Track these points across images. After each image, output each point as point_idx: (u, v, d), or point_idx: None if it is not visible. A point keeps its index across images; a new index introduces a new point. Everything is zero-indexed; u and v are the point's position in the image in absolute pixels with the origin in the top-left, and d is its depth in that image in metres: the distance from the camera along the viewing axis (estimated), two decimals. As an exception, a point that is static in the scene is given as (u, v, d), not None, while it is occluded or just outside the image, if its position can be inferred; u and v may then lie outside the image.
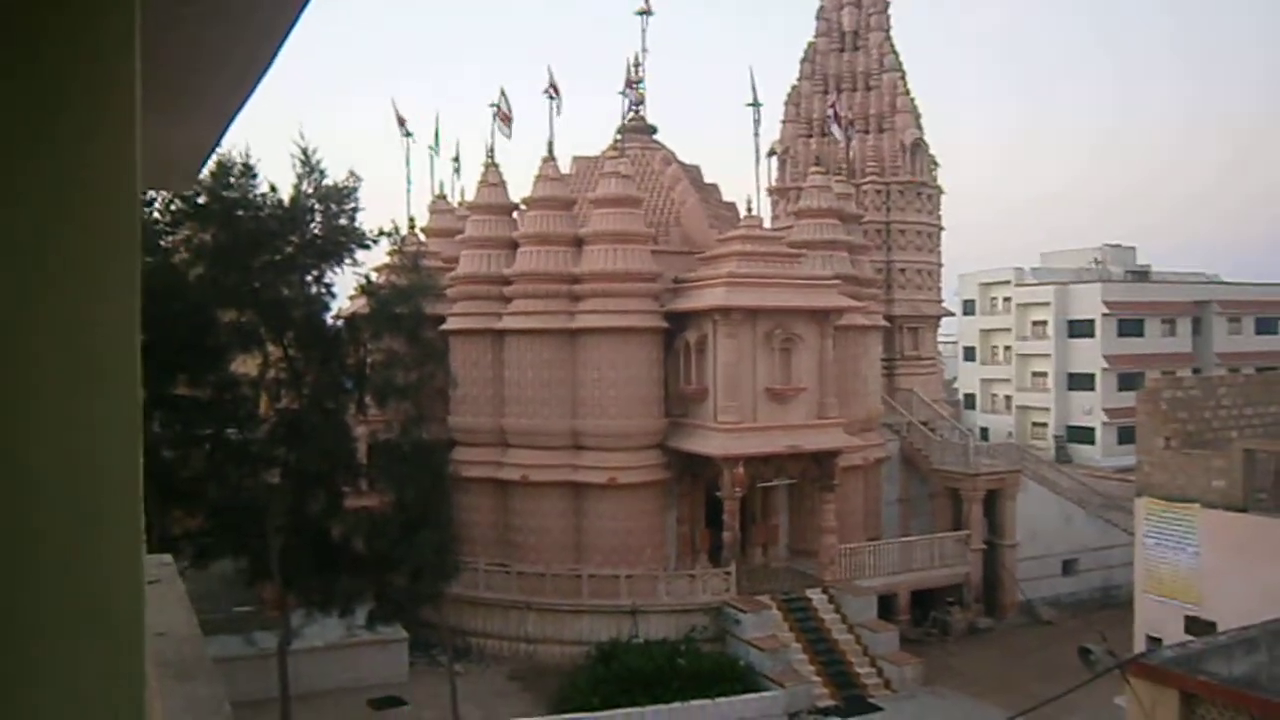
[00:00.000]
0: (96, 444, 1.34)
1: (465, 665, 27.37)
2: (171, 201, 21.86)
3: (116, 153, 1.41)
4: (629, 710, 23.74)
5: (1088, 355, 56.22)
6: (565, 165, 34.73)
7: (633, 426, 30.20)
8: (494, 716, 24.33)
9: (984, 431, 53.71)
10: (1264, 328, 61.04)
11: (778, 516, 32.49)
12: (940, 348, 46.30)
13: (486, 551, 30.57)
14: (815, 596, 28.48)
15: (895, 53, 41.48)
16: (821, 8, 42.95)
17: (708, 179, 38.30)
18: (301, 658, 24.12)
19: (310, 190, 22.20)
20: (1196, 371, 53.57)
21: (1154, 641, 19.87)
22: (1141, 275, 62.78)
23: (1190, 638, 16.57)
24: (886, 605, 30.30)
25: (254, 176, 21.71)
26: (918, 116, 40.89)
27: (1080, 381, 56.78)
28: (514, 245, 32.07)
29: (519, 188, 33.41)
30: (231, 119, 2.98)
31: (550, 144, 32.37)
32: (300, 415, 22.74)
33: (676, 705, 23.98)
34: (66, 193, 1.37)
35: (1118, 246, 65.27)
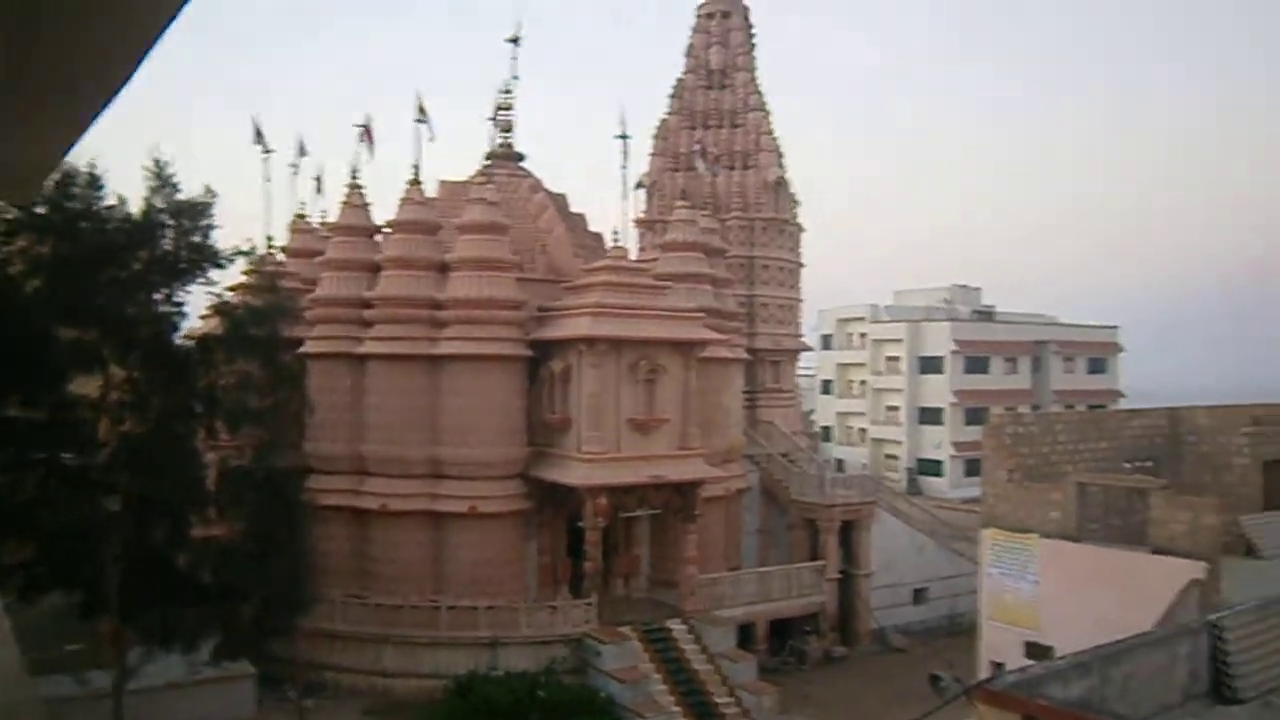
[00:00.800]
0: None
1: (318, 701, 26.40)
2: (4, 211, 20.61)
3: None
4: (486, 745, 23.27)
5: (937, 390, 58.57)
6: (432, 190, 34.32)
7: (494, 455, 29.87)
8: (345, 754, 23.47)
9: (840, 463, 55.20)
10: (1095, 367, 64.92)
11: (639, 547, 32.57)
12: (799, 381, 47.51)
13: (342, 582, 29.61)
14: (676, 627, 28.61)
15: (760, 92, 42.66)
16: (690, 46, 43.85)
17: (575, 209, 38.44)
18: (140, 698, 22.77)
19: (162, 205, 21.29)
20: (1036, 408, 56.49)
21: (997, 666, 20.66)
22: (986, 315, 65.91)
23: (1030, 662, 17.33)
24: (745, 635, 30.68)
25: (100, 188, 20.70)
26: (780, 155, 42.07)
27: (930, 415, 59.08)
28: (376, 269, 31.43)
29: (384, 211, 32.85)
30: (81, 134, 2.83)
31: (416, 167, 31.94)
32: (144, 440, 21.63)
33: (535, 739, 23.65)
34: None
35: (965, 287, 68.38)
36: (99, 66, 2.21)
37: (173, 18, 2.02)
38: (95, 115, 2.64)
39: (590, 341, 28.69)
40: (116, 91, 2.40)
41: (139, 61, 2.23)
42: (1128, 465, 24.14)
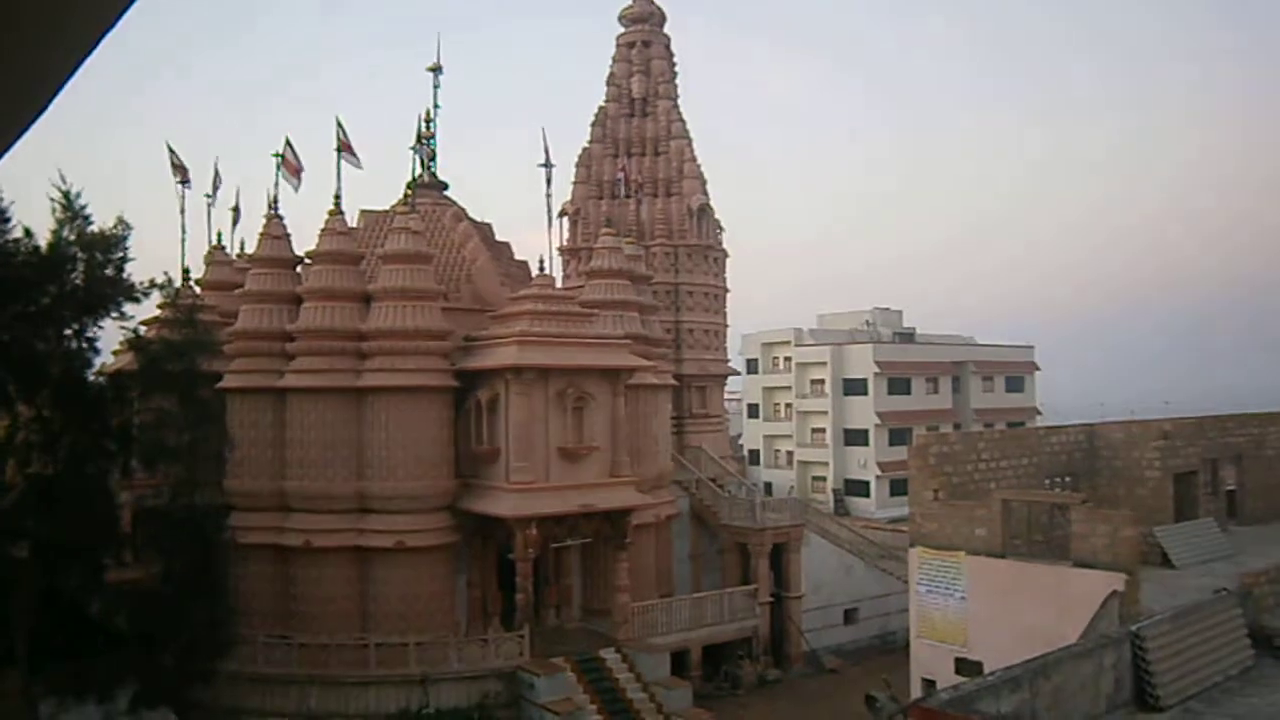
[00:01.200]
0: None
1: (240, 747, 25.56)
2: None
3: None
4: (418, 785, 22.79)
5: (862, 412, 59.39)
6: (353, 219, 33.88)
7: (421, 488, 29.42)
8: (271, 801, 22.74)
9: (768, 486, 55.54)
10: (1013, 386, 66.50)
11: (571, 576, 32.30)
12: (726, 405, 47.77)
13: (266, 623, 28.78)
14: (609, 656, 28.38)
15: (682, 120, 43.08)
16: (612, 74, 44.15)
17: (499, 237, 38.29)
18: (51, 751, 21.87)
19: (72, 237, 20.65)
20: (957, 427, 57.64)
21: (929, 684, 20.87)
22: (907, 337, 67.13)
23: (961, 678, 17.53)
24: (680, 661, 30.57)
25: (6, 220, 20.02)
26: (704, 182, 42.48)
27: (855, 437, 59.84)
28: (298, 300, 30.87)
29: (304, 241, 32.30)
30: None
31: (337, 197, 31.49)
32: (54, 481, 20.87)
33: (468, 776, 23.24)
34: None
35: (886, 310, 69.61)
36: (16, 92, 2.11)
37: (97, 42, 1.95)
38: (6, 146, 2.53)
39: (517, 370, 28.49)
40: (32, 120, 2.29)
41: (58, 89, 2.14)
42: (1048, 481, 24.68)
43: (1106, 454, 25.99)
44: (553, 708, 26.05)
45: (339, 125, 31.11)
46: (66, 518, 20.39)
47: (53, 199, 20.43)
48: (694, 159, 42.49)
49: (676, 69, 44.37)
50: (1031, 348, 69.20)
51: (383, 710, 26.55)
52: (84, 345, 21.55)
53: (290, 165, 32.06)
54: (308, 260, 31.66)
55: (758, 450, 65.67)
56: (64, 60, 2.01)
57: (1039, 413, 66.45)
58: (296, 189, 32.47)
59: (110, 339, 23.82)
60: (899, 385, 60.02)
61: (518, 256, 38.36)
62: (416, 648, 27.48)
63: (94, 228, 20.95)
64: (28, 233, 20.46)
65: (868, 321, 67.42)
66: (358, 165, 31.17)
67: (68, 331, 21.28)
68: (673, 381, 37.12)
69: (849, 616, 37.34)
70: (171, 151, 34.54)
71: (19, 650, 20.03)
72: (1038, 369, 68.52)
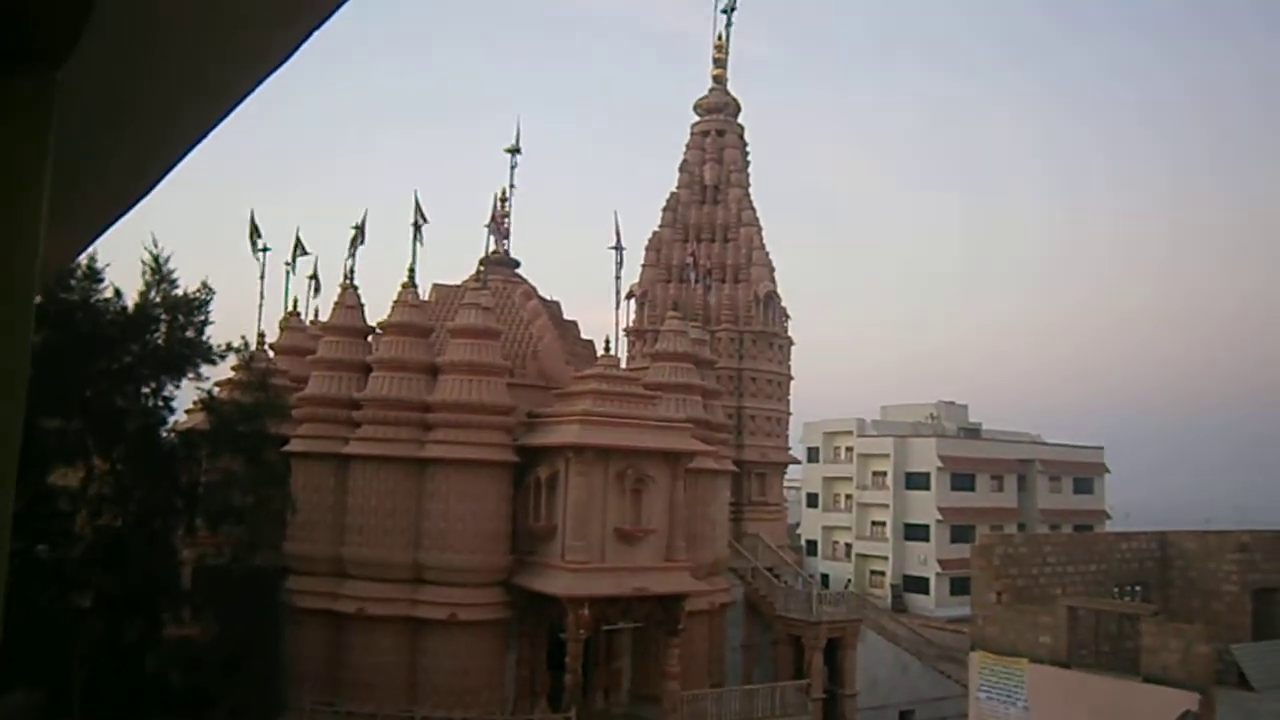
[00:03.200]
0: None
1: (281, 815, 25.38)
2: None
3: (19, 245, 1.34)
4: None
5: (923, 506, 58.32)
6: (425, 293, 34.58)
7: (477, 561, 29.41)
8: None
9: (825, 578, 54.57)
10: (1081, 487, 64.83)
11: (621, 660, 31.85)
12: (785, 493, 47.28)
13: (316, 688, 28.69)
14: (656, 744, 27.80)
15: (753, 208, 43.55)
16: (685, 161, 44.91)
17: (567, 316, 38.75)
18: (97, 805, 21.94)
19: (158, 299, 21.39)
20: (1022, 527, 56.27)
21: (986, 796, 20.11)
22: (973, 433, 66.09)
23: (1021, 793, 16.87)
24: (727, 755, 29.80)
25: (99, 280, 20.83)
26: (772, 269, 42.72)
27: (916, 532, 58.69)
28: (367, 369, 31.43)
29: (376, 311, 33.02)
30: (103, 230, 2.84)
31: (411, 270, 32.21)
32: (122, 535, 21.32)
33: None
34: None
35: (951, 404, 68.75)
36: (135, 165, 2.23)
37: (217, 121, 2.05)
38: (118, 215, 2.66)
39: (578, 449, 28.56)
40: (145, 193, 2.42)
41: (174, 164, 2.26)
42: (1117, 589, 23.92)
43: (1180, 564, 25.16)
44: (596, 795, 25.51)
45: (416, 202, 31.97)
46: (130, 571, 20.75)
47: (143, 261, 21.23)
48: (762, 246, 42.81)
49: (749, 158, 45.02)
50: (1101, 448, 67.63)
51: (425, 786, 26.21)
52: (160, 403, 22.16)
53: (363, 235, 32.94)
54: (379, 330, 32.32)
55: (815, 541, 64.70)
56: (181, 140, 2.12)
57: (1108, 516, 64.68)
58: (353, 253, 33.12)
59: (184, 398, 24.47)
60: (963, 481, 58.91)
61: (584, 336, 38.74)
62: (462, 723, 27.20)
63: (179, 290, 21.69)
64: (117, 293, 21.26)
65: (932, 415, 66.59)
66: (420, 241, 31.91)
67: (146, 389, 21.93)
68: (733, 467, 36.89)
69: (904, 718, 36.19)
70: (253, 218, 35.75)
71: (75, 699, 20.25)
72: (1108, 471, 66.83)
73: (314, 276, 39.45)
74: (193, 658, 21.81)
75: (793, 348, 43.79)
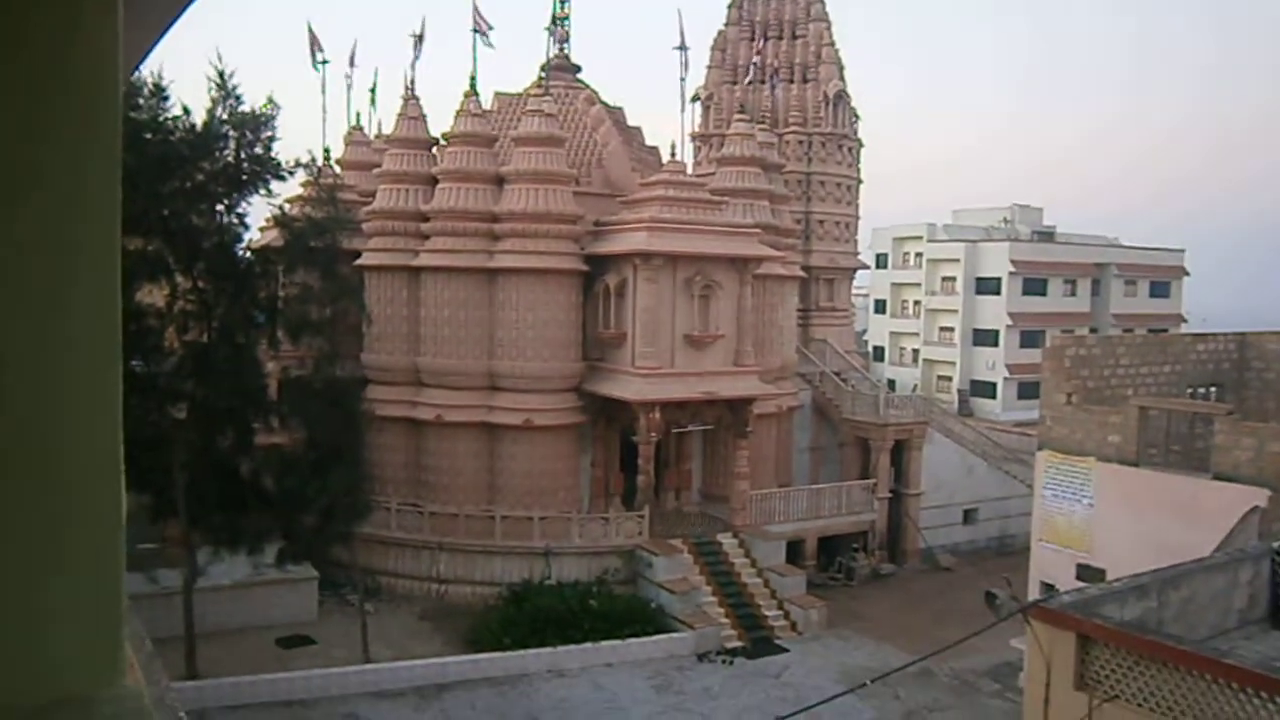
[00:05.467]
0: (76, 369, 1.29)
1: (375, 605, 27.24)
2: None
3: (100, 47, 1.32)
4: (540, 650, 23.97)
5: (993, 312, 57.69)
6: (487, 102, 34.04)
7: (549, 369, 30.11)
8: (405, 656, 24.28)
9: (891, 383, 54.82)
10: (1158, 291, 63.36)
11: (691, 462, 32.85)
12: (853, 299, 47.05)
13: (399, 491, 30.30)
14: (726, 541, 28.98)
15: (822, 2, 41.48)
16: (750, -47, 42.61)
17: (632, 122, 38.00)
18: (208, 596, 23.73)
19: (225, 115, 21.33)
20: (1094, 331, 55.52)
21: (1048, 588, 20.69)
22: (1047, 236, 64.44)
23: (1081, 583, 17.32)
24: (794, 550, 30.99)
25: (165, 99, 20.78)
26: (841, 68, 41.06)
27: (985, 337, 58.30)
28: (433, 181, 31.43)
29: (439, 122, 32.70)
30: (164, 30, 2.79)
31: (473, 78, 31.61)
32: (209, 349, 22.09)
33: (588, 645, 24.30)
34: (49, 94, 1.28)
35: (1026, 207, 66.80)
36: None
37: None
38: (172, 19, 2.60)
39: (645, 256, 28.58)
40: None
41: None
42: (1190, 391, 23.72)
43: (1258, 365, 24.78)
44: (670, 586, 26.86)
45: (475, 5, 31.01)
46: (219, 383, 21.62)
47: (208, 77, 21.06)
48: (832, 43, 40.99)
49: (818, -53, 42.53)
50: (1182, 251, 65.65)
51: (507, 579, 27.83)
52: (234, 220, 22.46)
53: (421, 43, 32.23)
54: (443, 141, 32.09)
55: (883, 347, 64.73)
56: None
57: (1184, 320, 63.39)
58: (413, 65, 32.60)
59: (256, 216, 24.78)
60: (1034, 286, 57.90)
61: (649, 142, 38.07)
62: (541, 521, 28.58)
63: (244, 107, 21.58)
64: (185, 110, 21.22)
65: (1005, 219, 64.91)
66: (490, 45, 31.12)
67: (220, 207, 22.17)
68: (800, 273, 36.69)
69: (968, 516, 37.05)
70: (311, 31, 35.10)
71: (179, 502, 21.57)
72: (1186, 274, 65.05)
73: (374, 89, 39.02)
74: (283, 463, 22.92)
75: (863, 151, 42.57)
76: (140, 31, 2.74)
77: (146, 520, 23.61)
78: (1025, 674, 13.40)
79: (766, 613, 27.09)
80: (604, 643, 24.41)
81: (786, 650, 25.87)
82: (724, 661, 24.89)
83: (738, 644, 25.87)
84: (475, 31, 30.99)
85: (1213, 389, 24.22)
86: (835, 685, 23.36)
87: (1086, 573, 20.31)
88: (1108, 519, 20.51)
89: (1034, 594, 20.41)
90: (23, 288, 1.24)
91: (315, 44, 35.03)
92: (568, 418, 30.16)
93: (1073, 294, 59.72)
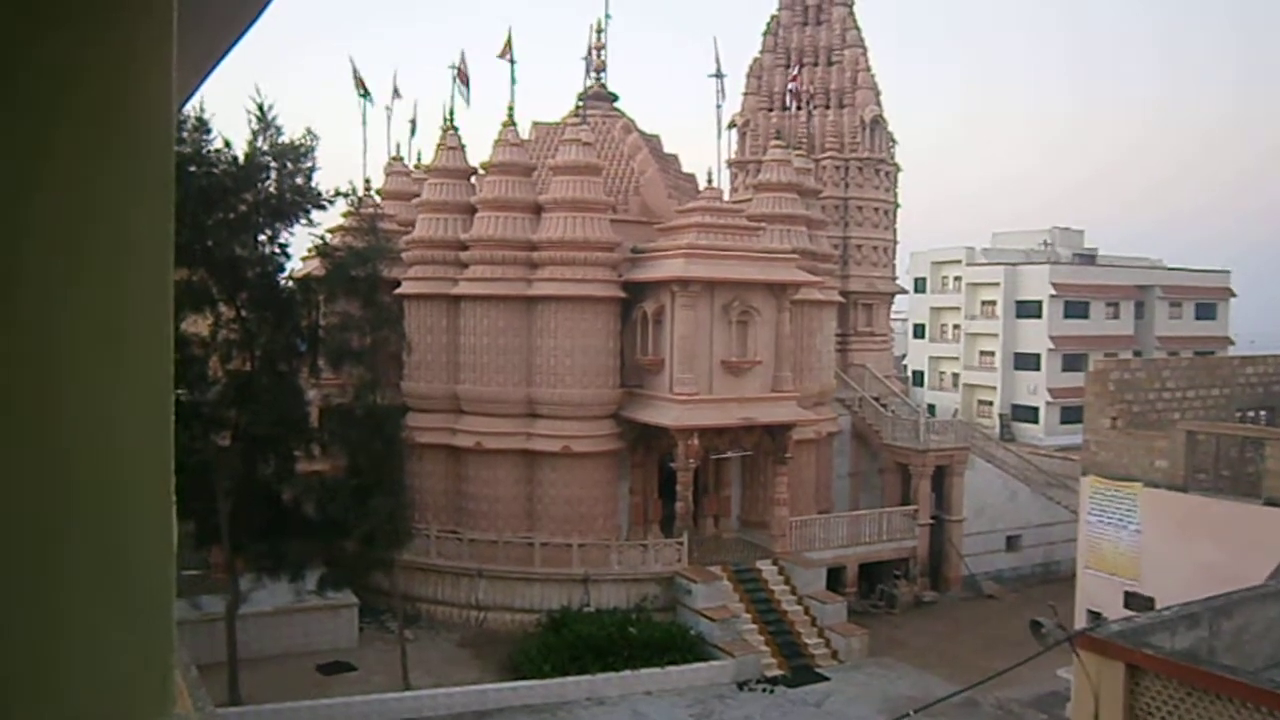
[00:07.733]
0: (130, 396, 1.31)
1: (415, 632, 27.29)
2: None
3: (153, 78, 1.35)
4: (579, 678, 23.88)
5: (1034, 335, 57.05)
6: (525, 131, 34.38)
7: (588, 396, 30.16)
8: (444, 683, 24.29)
9: (931, 408, 54.32)
10: (1203, 313, 62.38)
11: (730, 488, 32.71)
12: (892, 324, 46.79)
13: (438, 518, 30.46)
14: (765, 567, 28.78)
15: (858, 28, 41.54)
16: (785, -20, 42.80)
17: (668, 149, 38.18)
18: (250, 622, 23.94)
19: (266, 147, 21.72)
20: (1138, 354, 54.72)
21: (1094, 616, 20.33)
22: (1088, 259, 63.73)
23: (1130, 612, 17.00)
24: (835, 577, 30.70)
25: (208, 132, 21.19)
26: (878, 93, 41.04)
27: (1026, 361, 57.64)
28: (472, 210, 31.74)
29: (477, 152, 33.08)
30: (209, 72, 2.85)
31: (511, 108, 31.98)
32: (252, 377, 22.41)
33: (627, 673, 24.19)
34: (105, 130, 1.31)
35: (1067, 230, 66.14)
36: (225, 11, 2.21)
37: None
38: (226, 49, 2.65)
39: (683, 282, 28.62)
40: (241, 35, 2.40)
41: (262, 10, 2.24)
42: (1240, 414, 23.28)
43: (1309, 388, 24.26)
44: (709, 614, 26.68)
45: (508, 38, 31.38)
46: (262, 411, 21.89)
47: (248, 110, 21.47)
48: (868, 69, 41.01)
49: (853, -26, 42.64)
50: (1228, 272, 64.63)
51: (546, 606, 27.80)
52: (276, 250, 22.81)
53: (463, 76, 32.68)
54: (481, 171, 32.43)
55: (922, 371, 64.20)
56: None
57: (1231, 343, 62.28)
58: (468, 101, 33.18)
59: (298, 246, 25.15)
60: (1076, 309, 57.21)
61: (686, 169, 38.22)
62: (579, 549, 28.54)
63: (284, 138, 21.96)
64: (227, 143, 21.63)
65: (1045, 241, 64.28)
66: (467, 102, 31.50)
67: (262, 237, 22.53)
68: (838, 298, 36.56)
69: (1011, 543, 36.51)
70: (354, 66, 35.67)
71: (222, 529, 21.81)
72: (1233, 295, 64.00)
73: (413, 121, 39.48)
74: (325, 490, 23.12)
75: (899, 175, 42.45)
76: (188, 68, 2.81)
77: (190, 547, 23.93)
78: (1072, 705, 13.13)
79: (807, 641, 26.83)
80: (644, 670, 24.28)
81: (828, 679, 25.59)
82: (765, 690, 24.65)
83: (778, 672, 25.63)
84: (512, 62, 31.31)
85: (1263, 412, 23.74)
86: (877, 715, 23.06)
87: (1134, 601, 19.93)
88: (1155, 546, 20.12)
89: (1080, 622, 20.04)
90: (81, 322, 1.27)
91: (359, 79, 35.59)
92: (606, 444, 30.17)
93: (1115, 317, 58.95)
